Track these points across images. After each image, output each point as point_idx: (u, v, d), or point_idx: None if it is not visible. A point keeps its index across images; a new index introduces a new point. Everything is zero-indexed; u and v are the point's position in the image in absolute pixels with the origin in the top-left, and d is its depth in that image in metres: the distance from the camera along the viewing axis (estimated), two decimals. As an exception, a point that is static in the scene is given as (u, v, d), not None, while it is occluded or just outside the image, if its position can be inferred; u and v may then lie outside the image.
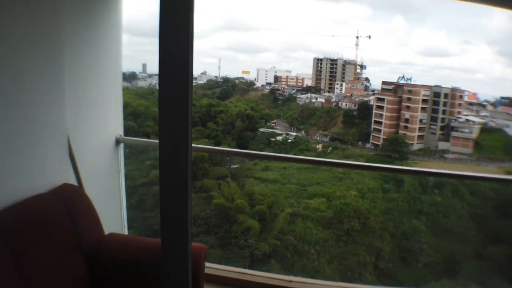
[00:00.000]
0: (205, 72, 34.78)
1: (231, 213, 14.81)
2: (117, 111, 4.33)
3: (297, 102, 32.76)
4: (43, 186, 2.91)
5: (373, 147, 28.65)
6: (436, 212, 16.94)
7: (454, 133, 28.88)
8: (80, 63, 3.61)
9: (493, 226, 16.40)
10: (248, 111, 29.74)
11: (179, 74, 1.17)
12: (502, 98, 35.85)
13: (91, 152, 3.91)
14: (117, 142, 4.30)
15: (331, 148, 27.71)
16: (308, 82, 35.22)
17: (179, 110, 1.19)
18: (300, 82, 35.56)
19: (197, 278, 2.93)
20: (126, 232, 4.45)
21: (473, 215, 16.63)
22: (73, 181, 3.41)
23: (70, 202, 2.99)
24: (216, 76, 34.94)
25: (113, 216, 4.34)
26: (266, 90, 34.17)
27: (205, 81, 34.16)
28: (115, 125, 4.33)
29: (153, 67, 32.66)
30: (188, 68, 1.17)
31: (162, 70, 1.17)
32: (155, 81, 31.88)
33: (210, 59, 38.23)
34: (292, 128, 30.26)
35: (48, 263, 2.63)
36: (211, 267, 4.15)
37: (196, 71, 33.98)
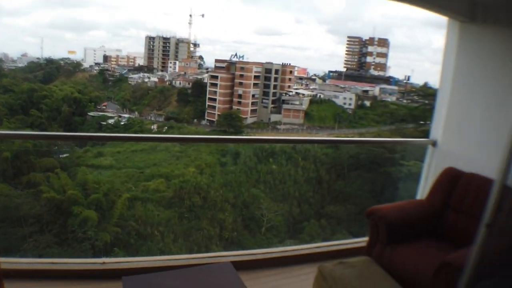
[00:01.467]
0: (26, 53, 32.06)
1: (64, 206, 13.75)
2: None
3: (129, 82, 31.99)
4: None
5: (208, 123, 29.07)
6: (273, 179, 17.43)
7: (285, 106, 30.21)
8: None
9: (328, 187, 17.22)
10: (75, 94, 27.87)
11: None
12: (330, 72, 38.37)
13: None
14: None
15: (166, 127, 27.56)
16: (140, 62, 34.60)
17: None
18: (131, 62, 34.87)
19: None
20: None
21: (308, 179, 17.36)
22: None
23: None
24: (38, 58, 32.64)
25: None
26: (95, 71, 33.01)
27: (25, 63, 31.71)
28: None
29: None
30: None
31: None
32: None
33: (31, 38, 36.14)
34: (125, 110, 29.46)
35: None
36: (15, 262, 3.56)
37: (16, 52, 32.44)
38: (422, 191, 4.23)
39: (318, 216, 15.92)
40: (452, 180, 3.54)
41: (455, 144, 3.96)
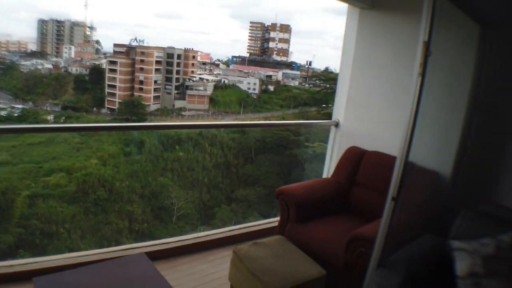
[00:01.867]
0: None
1: (-42, 209, 12.96)
2: None
3: (21, 70, 29.74)
4: None
5: (109, 112, 27.92)
6: (180, 167, 17.29)
7: (189, 92, 29.87)
8: None
9: (237, 172, 17.16)
10: (-39, 85, 25.81)
11: None
12: (234, 57, 38.75)
13: None
14: None
15: (64, 118, 26.01)
16: (33, 47, 32.48)
17: None
18: (23, 47, 32.37)
19: None
20: None
21: (217, 165, 17.23)
22: None
23: None
24: None
25: None
26: (-17, 59, 30.27)
27: None
28: None
29: None
30: None
31: None
32: None
33: None
34: (17, 100, 27.62)
35: None
36: None
37: None
38: (328, 170, 4.47)
39: (229, 201, 16.33)
40: (355, 158, 3.78)
41: (356, 125, 4.21)
